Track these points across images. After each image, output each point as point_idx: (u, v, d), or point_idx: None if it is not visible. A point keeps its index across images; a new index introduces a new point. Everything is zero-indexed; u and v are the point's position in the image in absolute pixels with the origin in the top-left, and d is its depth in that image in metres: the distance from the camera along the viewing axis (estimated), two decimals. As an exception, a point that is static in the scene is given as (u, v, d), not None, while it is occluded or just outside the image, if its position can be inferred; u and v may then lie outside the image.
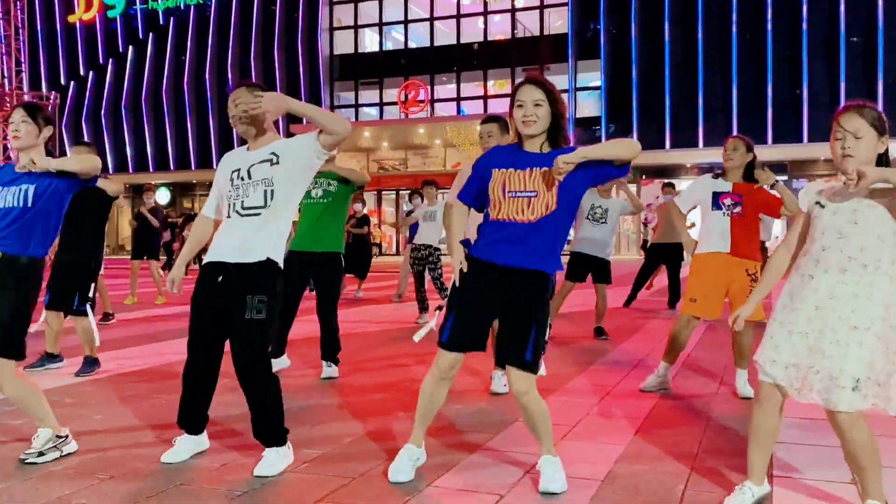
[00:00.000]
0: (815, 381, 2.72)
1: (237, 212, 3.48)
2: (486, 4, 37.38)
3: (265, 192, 3.44)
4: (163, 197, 39.27)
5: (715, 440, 3.93)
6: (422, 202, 10.33)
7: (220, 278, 3.46)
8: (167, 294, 11.93)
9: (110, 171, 37.72)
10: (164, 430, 4.13)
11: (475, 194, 3.35)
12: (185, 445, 3.64)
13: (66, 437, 3.72)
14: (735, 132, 23.87)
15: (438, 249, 9.40)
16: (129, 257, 12.09)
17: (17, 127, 3.65)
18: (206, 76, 40.62)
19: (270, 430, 3.49)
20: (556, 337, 7.59)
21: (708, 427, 4.19)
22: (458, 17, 37.81)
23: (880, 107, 2.89)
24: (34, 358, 5.86)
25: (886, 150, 2.85)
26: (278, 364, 5.49)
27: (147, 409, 4.66)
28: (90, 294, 5.88)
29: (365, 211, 13.65)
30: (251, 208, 3.45)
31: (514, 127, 3.25)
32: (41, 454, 3.58)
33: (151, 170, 40.99)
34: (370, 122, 37.24)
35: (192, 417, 3.65)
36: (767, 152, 30.77)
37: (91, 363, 5.88)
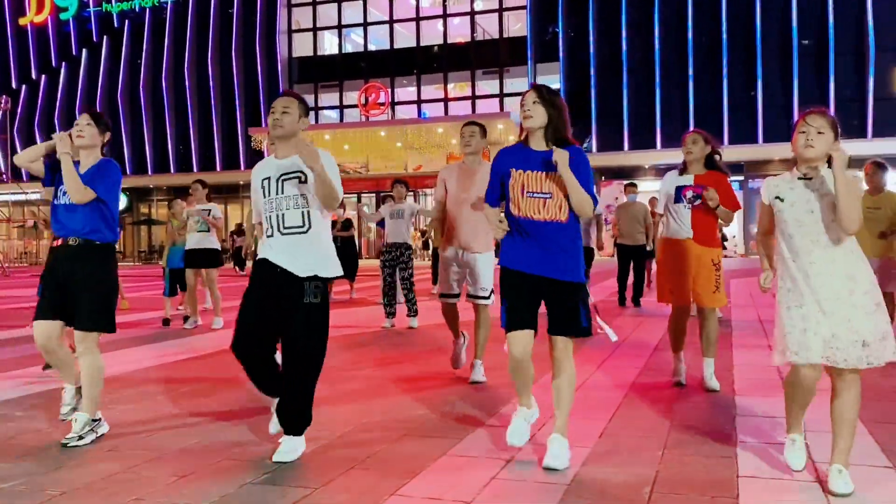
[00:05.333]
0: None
1: (279, 231, 3.65)
2: (445, 7, 37.44)
3: (302, 213, 3.65)
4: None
5: (680, 439, 3.93)
6: (385, 203, 10.18)
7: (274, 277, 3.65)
8: (130, 300, 12.19)
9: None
10: (113, 439, 4.01)
11: (497, 195, 3.70)
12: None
13: (100, 419, 4.04)
14: (692, 133, 24.14)
15: (410, 248, 9.31)
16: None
17: (81, 129, 4.05)
18: (163, 80, 40.01)
19: (307, 414, 3.69)
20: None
21: (672, 427, 4.20)
22: (418, 19, 37.80)
23: (832, 106, 3.08)
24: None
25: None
26: None
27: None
28: None
29: (346, 215, 13.70)
30: (292, 227, 3.65)
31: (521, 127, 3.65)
32: (81, 437, 3.90)
33: (107, 175, 40.13)
34: (330, 125, 37.01)
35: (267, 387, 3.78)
36: (724, 153, 31.09)
37: None
